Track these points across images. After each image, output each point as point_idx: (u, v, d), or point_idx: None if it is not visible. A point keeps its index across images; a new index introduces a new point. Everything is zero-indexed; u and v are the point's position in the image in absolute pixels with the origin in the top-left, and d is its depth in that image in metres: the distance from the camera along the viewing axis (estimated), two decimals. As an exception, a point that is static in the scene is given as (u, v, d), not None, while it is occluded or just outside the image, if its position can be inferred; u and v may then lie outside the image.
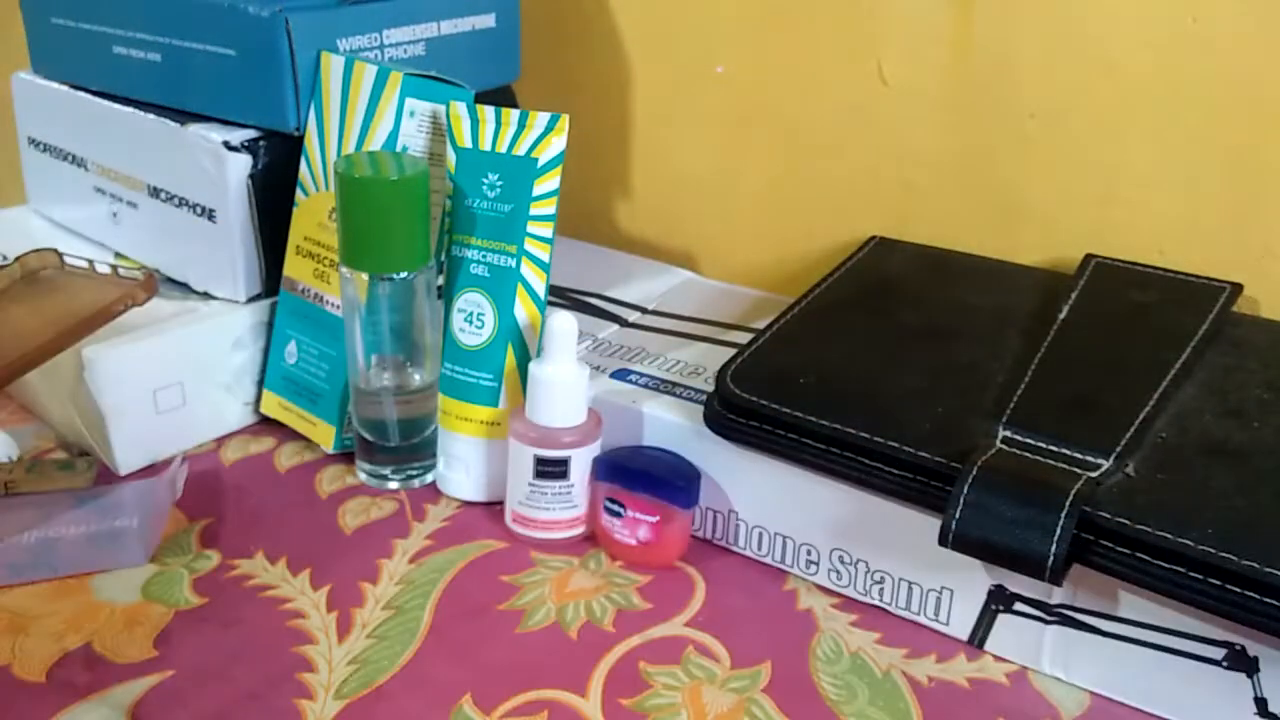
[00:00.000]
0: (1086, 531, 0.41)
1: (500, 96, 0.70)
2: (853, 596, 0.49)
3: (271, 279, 0.61)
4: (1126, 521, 0.40)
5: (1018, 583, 0.45)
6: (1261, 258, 0.57)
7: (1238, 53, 0.54)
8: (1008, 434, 0.45)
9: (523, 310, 0.54)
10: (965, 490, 0.42)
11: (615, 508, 0.51)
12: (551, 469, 0.51)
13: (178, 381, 0.58)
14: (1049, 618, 0.44)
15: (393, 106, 0.55)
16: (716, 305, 0.65)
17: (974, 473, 0.42)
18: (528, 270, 0.53)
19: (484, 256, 0.54)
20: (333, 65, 0.57)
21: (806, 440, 0.47)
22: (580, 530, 0.53)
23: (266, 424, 0.62)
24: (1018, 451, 0.44)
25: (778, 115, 0.69)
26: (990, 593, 0.45)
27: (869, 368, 0.50)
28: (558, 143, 0.53)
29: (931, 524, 0.43)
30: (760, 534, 0.51)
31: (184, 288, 0.63)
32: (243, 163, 0.58)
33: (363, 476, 0.58)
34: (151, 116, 0.61)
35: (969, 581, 0.46)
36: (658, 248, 0.77)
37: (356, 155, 0.55)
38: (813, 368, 0.50)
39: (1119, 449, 0.43)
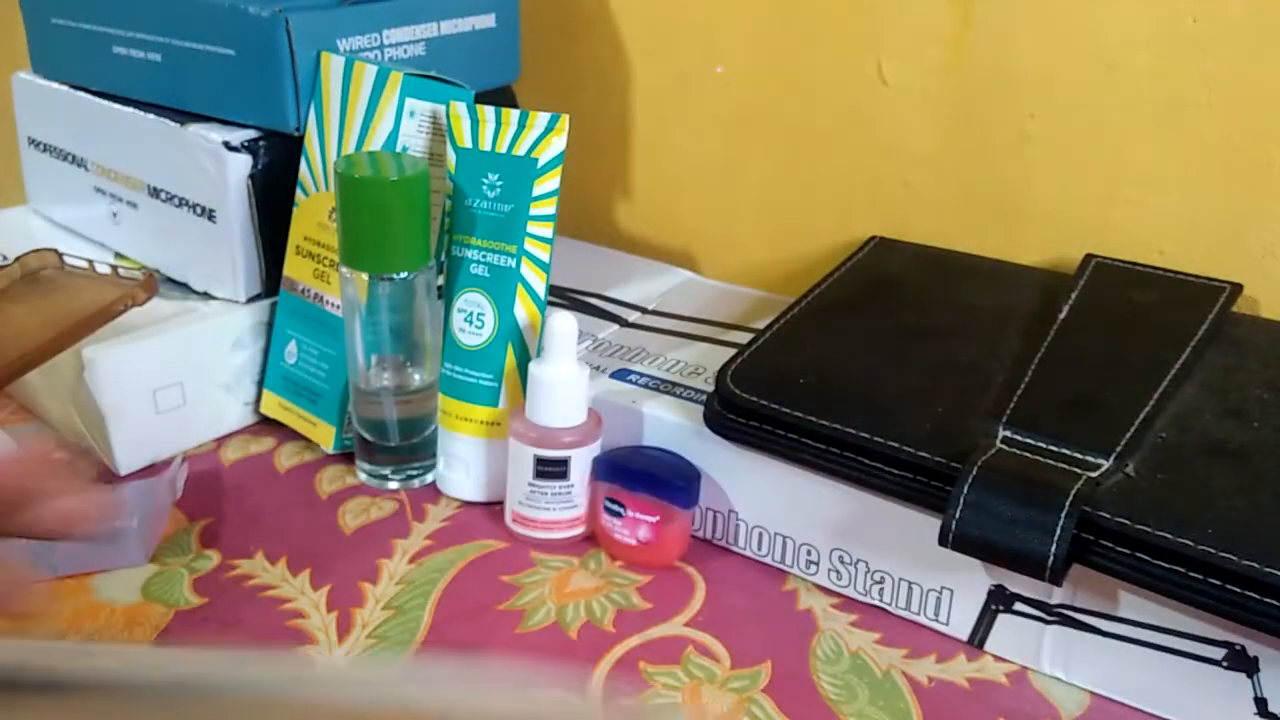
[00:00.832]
0: (1087, 531, 0.41)
1: (500, 96, 0.70)
2: (853, 596, 0.49)
3: (271, 279, 0.61)
4: (1126, 521, 0.40)
5: (1018, 583, 0.45)
6: (1261, 258, 0.57)
7: (1238, 53, 0.54)
8: (1008, 434, 0.45)
9: (523, 310, 0.54)
10: (965, 490, 0.42)
11: (615, 508, 0.51)
12: (551, 469, 0.51)
13: (178, 381, 0.58)
14: (1049, 618, 0.44)
15: (393, 106, 0.55)
16: (716, 305, 0.65)
17: (974, 473, 0.42)
18: (528, 270, 0.53)
19: (484, 256, 0.54)
20: (333, 65, 0.57)
21: (806, 440, 0.47)
22: (580, 530, 0.53)
23: (266, 424, 0.62)
24: (1018, 451, 0.44)
25: (778, 115, 0.69)
26: (990, 593, 0.45)
27: (869, 368, 0.50)
28: (558, 143, 0.53)
29: (931, 524, 0.43)
30: (760, 534, 0.51)
31: (184, 288, 0.63)
32: (243, 163, 0.58)
33: (363, 476, 0.58)
34: (151, 116, 0.61)
35: (969, 582, 0.46)
36: (658, 248, 0.77)
37: (356, 155, 0.55)
38: (813, 368, 0.50)
39: (1119, 449, 0.43)
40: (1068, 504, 0.40)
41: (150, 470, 0.58)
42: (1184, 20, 0.55)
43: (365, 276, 0.53)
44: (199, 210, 0.60)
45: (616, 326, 0.62)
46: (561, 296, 0.66)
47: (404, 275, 0.53)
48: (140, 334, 0.57)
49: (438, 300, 0.56)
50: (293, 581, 0.50)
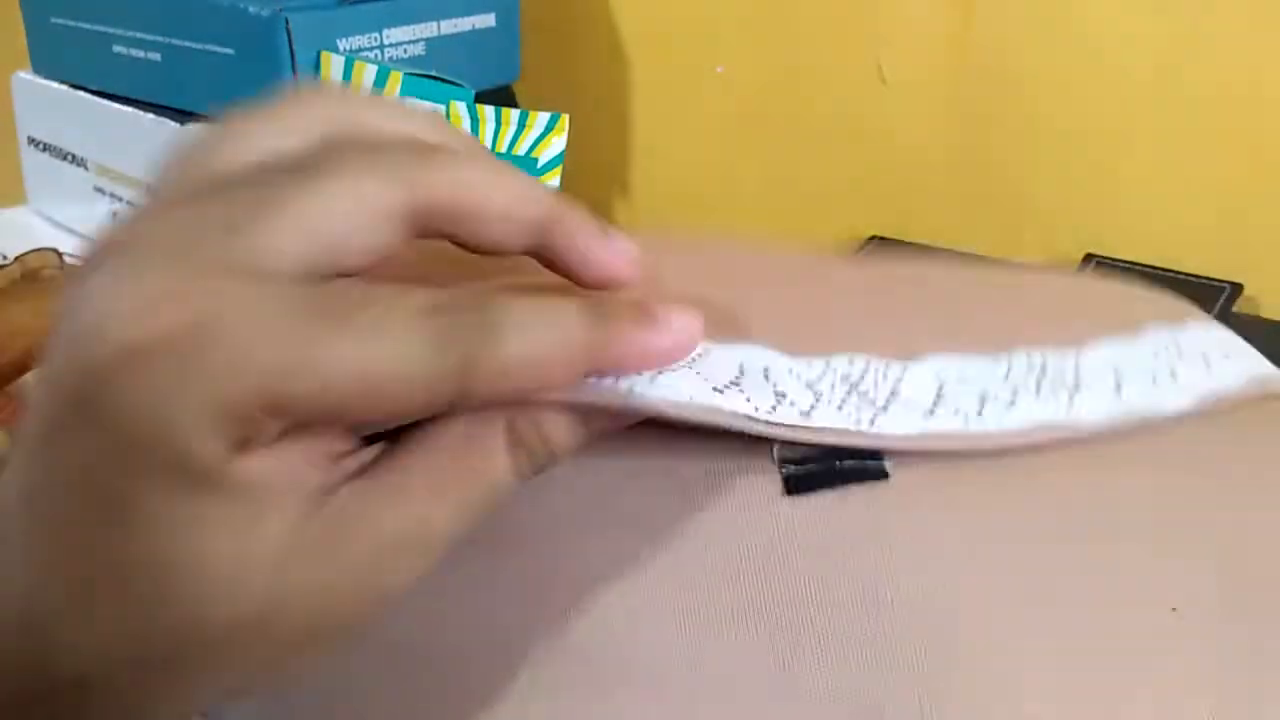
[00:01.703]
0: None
1: (500, 96, 0.70)
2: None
3: (271, 279, 0.61)
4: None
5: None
6: (1261, 258, 0.56)
7: (1238, 53, 0.54)
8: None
9: (523, 310, 0.54)
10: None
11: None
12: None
13: (178, 381, 0.58)
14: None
15: (393, 106, 0.55)
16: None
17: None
18: (528, 270, 0.53)
19: (484, 256, 0.54)
20: (333, 65, 0.57)
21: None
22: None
23: (266, 424, 0.62)
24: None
25: (778, 115, 0.69)
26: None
27: (869, 368, 0.50)
28: (558, 143, 0.53)
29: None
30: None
31: (184, 288, 0.63)
32: (243, 163, 0.58)
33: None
34: (151, 116, 0.61)
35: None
36: (658, 248, 0.77)
37: (356, 155, 0.55)
38: (813, 368, 0.50)
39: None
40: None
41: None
42: (1184, 20, 0.55)
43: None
44: (199, 210, 0.60)
45: (616, 326, 0.62)
46: (561, 296, 0.66)
47: (404, 275, 0.53)
48: (140, 334, 0.56)
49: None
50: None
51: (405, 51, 0.62)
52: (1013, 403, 0.25)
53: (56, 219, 0.71)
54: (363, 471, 0.19)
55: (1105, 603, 0.21)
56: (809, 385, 0.23)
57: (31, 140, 0.71)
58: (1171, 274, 0.56)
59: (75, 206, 0.69)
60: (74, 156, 0.67)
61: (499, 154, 0.53)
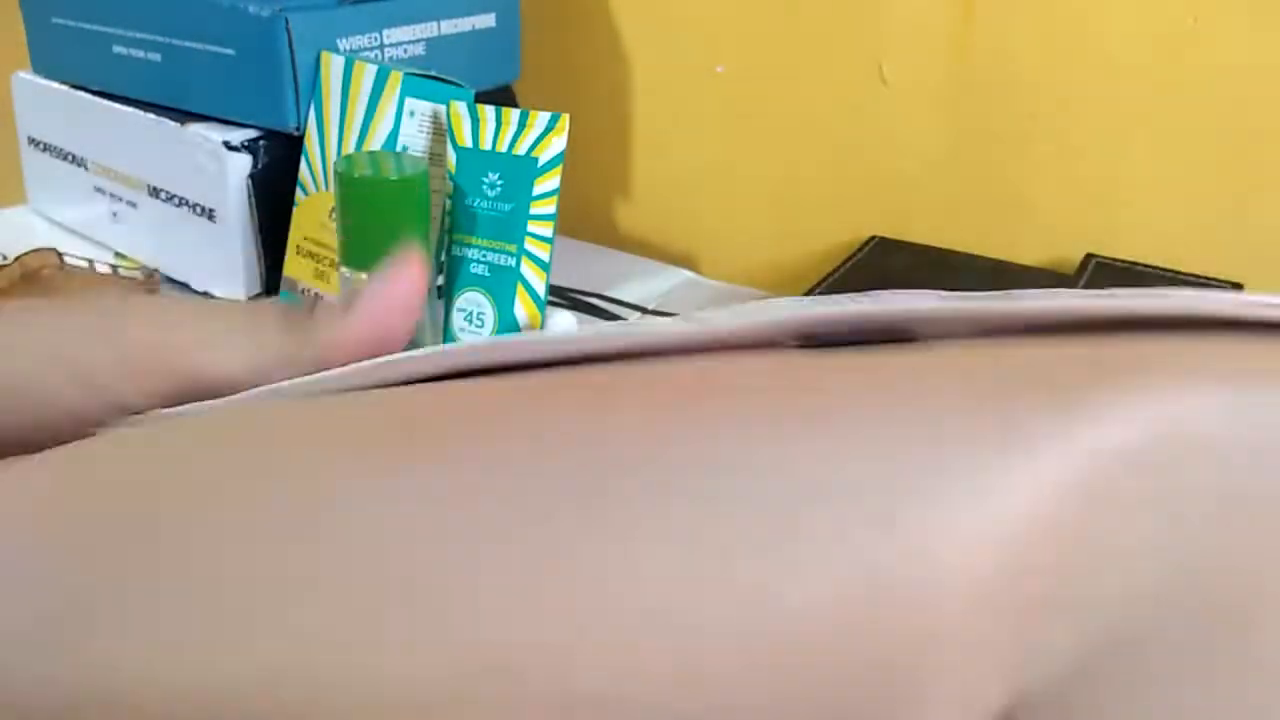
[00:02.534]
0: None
1: (500, 96, 0.70)
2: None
3: (271, 279, 0.61)
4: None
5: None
6: (1261, 258, 0.57)
7: (1238, 53, 0.54)
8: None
9: (523, 310, 0.54)
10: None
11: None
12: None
13: (178, 381, 0.58)
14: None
15: (393, 106, 0.55)
16: (716, 305, 0.65)
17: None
18: (528, 270, 0.53)
19: (484, 256, 0.54)
20: (333, 65, 0.57)
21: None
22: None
23: (266, 424, 0.62)
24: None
25: (778, 115, 0.69)
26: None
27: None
28: (558, 142, 0.53)
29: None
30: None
31: (184, 287, 0.63)
32: (243, 162, 0.58)
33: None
34: (151, 116, 0.61)
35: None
36: (658, 248, 0.77)
37: (356, 155, 0.55)
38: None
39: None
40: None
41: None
42: (1184, 20, 0.55)
43: (365, 276, 0.53)
44: (199, 210, 0.60)
45: (616, 326, 0.62)
46: (562, 296, 0.66)
47: (404, 275, 0.53)
48: (140, 334, 0.56)
49: (438, 300, 0.56)
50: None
51: (405, 51, 0.62)
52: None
53: (56, 219, 0.71)
54: None
55: None
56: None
57: (31, 140, 0.71)
58: (1171, 274, 0.56)
59: (75, 206, 0.69)
60: (74, 156, 0.67)
61: (499, 154, 0.53)
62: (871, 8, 0.64)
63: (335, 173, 0.52)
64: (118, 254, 0.67)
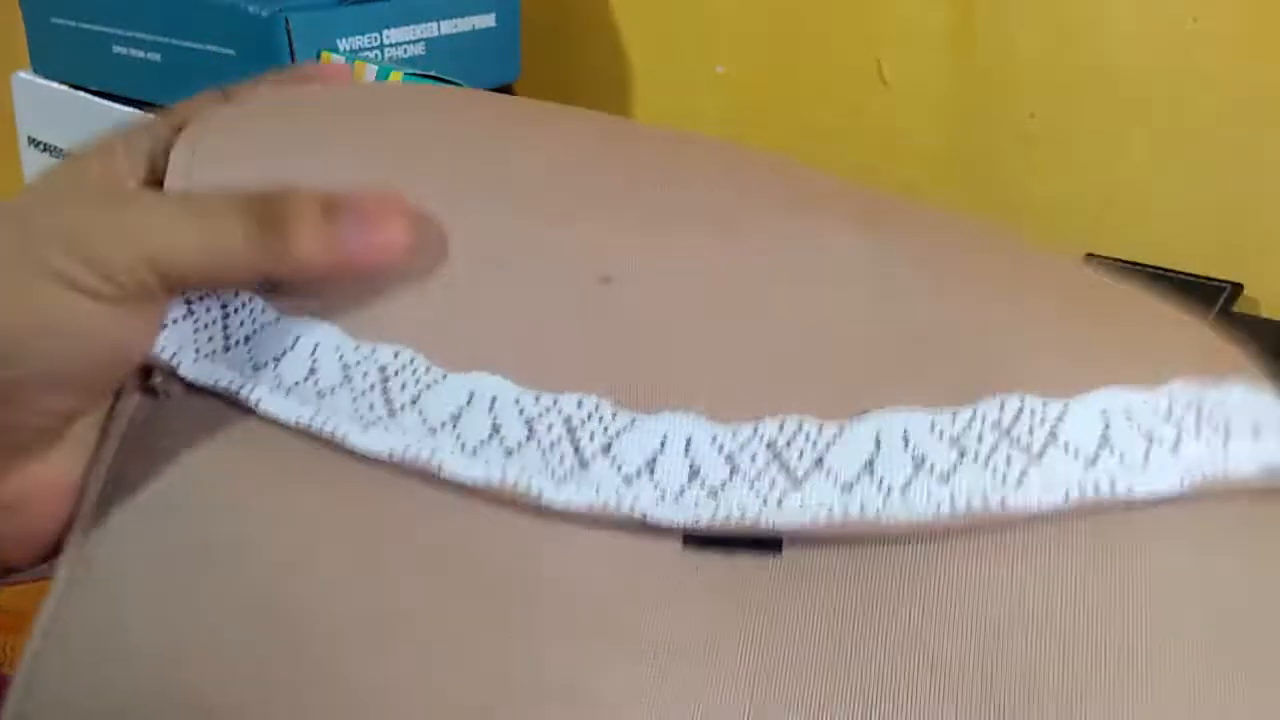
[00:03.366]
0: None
1: (500, 96, 0.70)
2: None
3: (271, 279, 0.61)
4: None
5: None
6: (1261, 258, 0.56)
7: (1238, 53, 0.54)
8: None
9: (523, 310, 0.54)
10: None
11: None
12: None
13: (178, 381, 0.58)
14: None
15: (393, 106, 0.55)
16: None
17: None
18: (528, 270, 0.53)
19: (484, 256, 0.53)
20: (333, 65, 0.57)
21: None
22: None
23: (266, 424, 0.62)
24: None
25: (778, 115, 0.69)
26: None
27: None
28: (558, 142, 0.53)
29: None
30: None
31: (184, 288, 0.63)
32: (243, 163, 0.58)
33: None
34: (151, 117, 0.61)
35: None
36: (658, 248, 0.77)
37: (356, 155, 0.55)
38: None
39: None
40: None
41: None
42: (1184, 20, 0.55)
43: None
44: (199, 210, 0.60)
45: (616, 326, 0.62)
46: (561, 296, 0.66)
47: (404, 275, 0.53)
48: (140, 334, 0.56)
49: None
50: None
51: (405, 51, 0.62)
52: (953, 471, 0.22)
53: (56, 219, 0.71)
54: None
55: None
56: (729, 458, 0.22)
57: (31, 140, 0.71)
58: (1171, 274, 0.56)
59: (75, 206, 0.69)
60: (74, 156, 0.67)
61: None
62: (871, 8, 0.64)
63: (335, 173, 0.52)
64: (118, 254, 0.67)
